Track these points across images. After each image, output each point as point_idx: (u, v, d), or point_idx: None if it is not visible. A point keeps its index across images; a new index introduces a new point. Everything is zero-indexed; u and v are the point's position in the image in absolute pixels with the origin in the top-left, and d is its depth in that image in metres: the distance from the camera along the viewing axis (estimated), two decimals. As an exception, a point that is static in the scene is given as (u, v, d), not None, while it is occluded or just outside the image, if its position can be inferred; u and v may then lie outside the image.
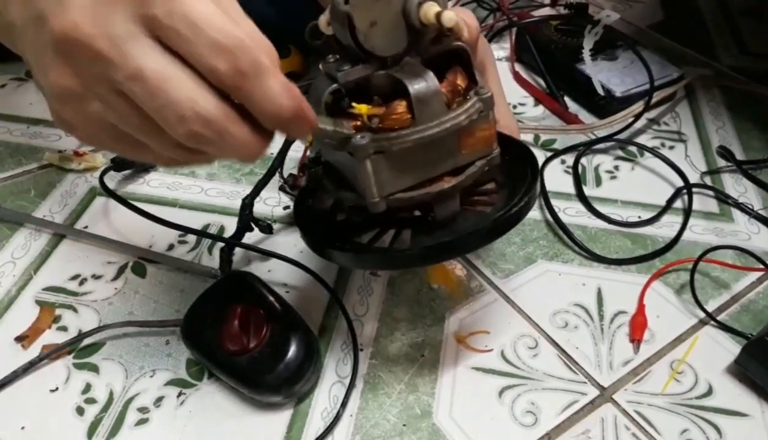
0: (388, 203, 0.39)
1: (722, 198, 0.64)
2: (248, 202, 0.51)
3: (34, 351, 0.49)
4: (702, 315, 0.53)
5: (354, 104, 0.36)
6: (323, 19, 0.36)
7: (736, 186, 0.65)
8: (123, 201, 0.56)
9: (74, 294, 0.54)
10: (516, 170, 0.44)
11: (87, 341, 0.50)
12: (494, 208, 0.43)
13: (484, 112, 0.39)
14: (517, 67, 0.80)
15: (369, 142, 0.36)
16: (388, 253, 0.42)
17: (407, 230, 0.43)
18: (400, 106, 0.37)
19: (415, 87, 0.36)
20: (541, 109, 0.75)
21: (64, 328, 0.51)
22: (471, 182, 0.41)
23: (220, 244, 0.56)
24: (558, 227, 0.60)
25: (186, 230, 0.56)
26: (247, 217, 0.51)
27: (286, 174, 0.60)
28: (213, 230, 0.59)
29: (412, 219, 0.43)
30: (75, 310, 0.52)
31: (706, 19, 0.94)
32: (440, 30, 0.36)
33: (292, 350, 0.45)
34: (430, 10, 0.34)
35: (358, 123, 0.37)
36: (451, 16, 0.34)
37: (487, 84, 0.45)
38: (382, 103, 0.37)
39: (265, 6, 0.75)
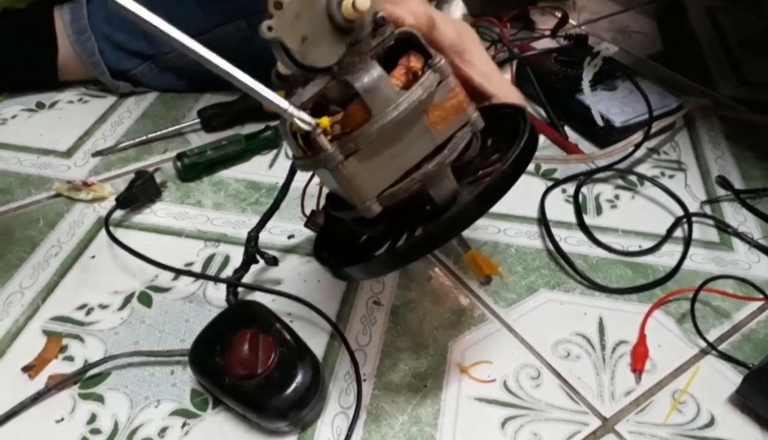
0: (381, 202, 0.38)
1: (722, 227, 0.64)
2: (253, 235, 0.52)
3: (40, 380, 0.50)
4: (703, 344, 0.53)
5: (315, 121, 0.36)
6: (279, 64, 0.37)
7: (735, 215, 0.66)
8: (123, 245, 0.58)
9: (81, 323, 0.54)
10: (515, 134, 0.42)
11: (93, 371, 0.50)
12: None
13: (443, 81, 0.38)
14: (518, 98, 0.81)
15: (336, 149, 0.36)
16: (391, 252, 0.41)
17: (419, 226, 0.42)
18: (356, 106, 0.37)
19: (361, 80, 0.36)
20: (542, 138, 0.76)
21: (70, 358, 0.51)
22: (458, 155, 0.40)
23: (227, 273, 0.57)
24: (559, 256, 0.60)
25: (182, 273, 0.57)
26: (252, 250, 0.52)
27: (304, 205, 0.60)
28: (218, 260, 0.60)
29: (420, 215, 0.42)
30: (81, 340, 0.53)
31: (705, 49, 0.96)
32: (374, 22, 0.36)
33: (300, 376, 0.46)
34: (348, 3, 0.34)
35: (328, 137, 0.36)
36: (363, 2, 0.34)
37: (473, 67, 0.44)
38: (342, 109, 0.38)
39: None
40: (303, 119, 0.35)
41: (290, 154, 0.72)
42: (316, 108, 0.38)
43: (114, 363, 0.51)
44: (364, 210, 0.38)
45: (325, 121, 0.36)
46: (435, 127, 0.38)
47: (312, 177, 0.53)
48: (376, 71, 0.36)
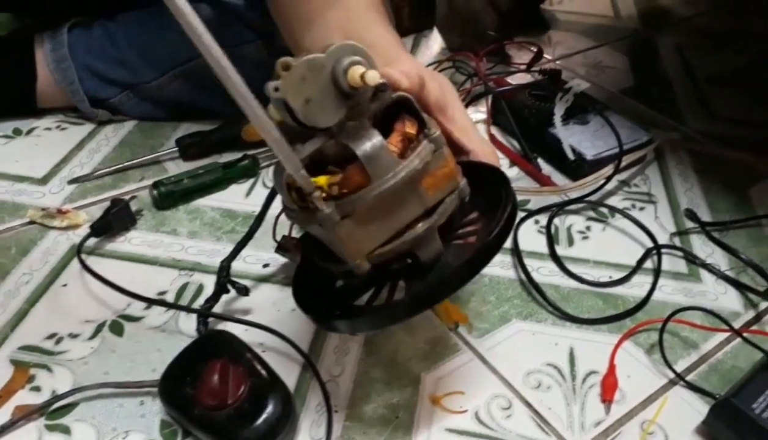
0: (370, 261, 0.40)
1: (690, 259, 0.66)
2: (225, 265, 0.52)
3: (6, 411, 0.49)
4: (671, 375, 0.54)
5: (313, 179, 0.37)
6: (271, 107, 0.38)
7: (703, 247, 0.67)
8: (95, 274, 0.57)
9: (50, 353, 0.54)
10: (493, 195, 0.45)
11: (60, 403, 0.50)
12: (478, 239, 0.44)
13: (437, 151, 0.40)
14: (493, 130, 0.83)
15: (333, 210, 0.37)
16: (377, 312, 0.43)
17: (401, 281, 0.44)
18: (355, 169, 0.38)
19: (362, 148, 0.37)
20: (515, 170, 0.77)
21: (37, 388, 0.51)
22: (446, 219, 0.42)
23: (200, 302, 0.57)
24: (532, 287, 0.61)
25: (153, 302, 0.57)
26: (224, 280, 0.52)
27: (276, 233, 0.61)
28: (192, 289, 0.60)
29: (404, 268, 0.43)
30: (50, 370, 0.52)
31: (675, 85, 0.98)
32: (375, 88, 0.37)
33: (270, 407, 0.46)
34: (356, 73, 0.36)
35: (324, 195, 0.38)
36: (373, 76, 0.35)
37: (455, 123, 0.46)
38: (339, 170, 0.39)
39: (251, 73, 0.78)
40: (306, 180, 0.36)
41: (268, 183, 0.72)
42: (311, 162, 0.39)
43: (82, 395, 0.50)
44: (354, 267, 0.39)
45: (323, 180, 0.38)
46: (427, 192, 0.40)
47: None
48: (377, 139, 0.38)
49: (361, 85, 0.36)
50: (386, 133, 0.39)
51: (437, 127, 0.41)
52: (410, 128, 0.40)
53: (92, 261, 0.62)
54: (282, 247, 0.53)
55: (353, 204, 0.38)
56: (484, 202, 0.45)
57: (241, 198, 0.71)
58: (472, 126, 0.49)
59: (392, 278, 0.44)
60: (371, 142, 0.38)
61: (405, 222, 0.40)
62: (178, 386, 0.47)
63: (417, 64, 0.46)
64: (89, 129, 0.81)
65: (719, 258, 0.66)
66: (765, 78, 1.01)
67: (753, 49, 1.09)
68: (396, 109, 0.41)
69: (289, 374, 0.52)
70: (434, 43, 1.07)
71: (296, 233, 0.54)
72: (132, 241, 0.65)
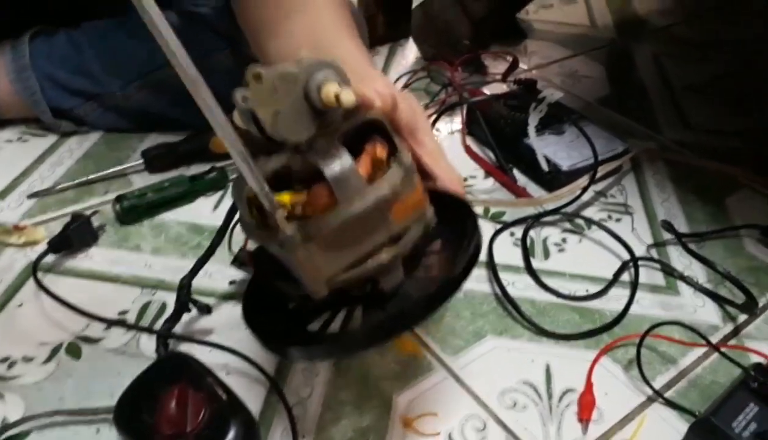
0: (329, 286, 0.38)
1: (668, 271, 0.65)
2: (186, 283, 0.50)
3: (-49, 442, 0.46)
4: (650, 392, 0.52)
5: (276, 196, 0.35)
6: (235, 114, 0.36)
7: (681, 258, 0.66)
8: (51, 294, 0.55)
9: (1, 378, 0.51)
10: (458, 226, 0.44)
11: (10, 432, 0.47)
12: (440, 270, 0.42)
13: (407, 178, 0.38)
14: (469, 141, 0.82)
15: (296, 232, 0.35)
16: (335, 341, 0.40)
17: (359, 307, 0.42)
18: (321, 190, 0.36)
19: (331, 168, 0.36)
20: (491, 181, 0.76)
21: (-13, 417, 0.48)
22: (410, 249, 0.40)
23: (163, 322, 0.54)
24: (507, 301, 0.60)
25: (111, 323, 0.55)
26: (184, 298, 0.50)
27: (234, 247, 0.59)
28: (155, 308, 0.58)
29: (363, 295, 0.42)
30: (1, 396, 0.49)
31: (651, 94, 0.98)
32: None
33: (232, 433, 0.43)
34: (330, 92, 0.34)
35: (286, 214, 0.36)
36: (348, 97, 0.33)
37: (424, 147, 0.45)
38: (304, 188, 0.37)
39: (220, 82, 0.76)
40: (269, 199, 0.34)
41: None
42: (275, 177, 0.37)
43: (34, 423, 0.48)
44: (312, 292, 0.38)
45: (286, 197, 0.36)
46: (393, 219, 0.39)
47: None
48: (347, 161, 0.36)
49: (334, 105, 0.34)
50: (355, 153, 0.37)
51: (408, 153, 0.39)
52: (380, 151, 0.39)
53: (51, 280, 0.59)
54: (238, 260, 0.50)
55: (317, 227, 0.36)
56: (447, 231, 0.44)
57: (209, 211, 0.69)
58: (440, 151, 0.48)
59: (349, 304, 0.42)
60: (341, 164, 0.36)
61: (368, 249, 0.39)
62: (135, 413, 0.45)
63: (388, 83, 0.45)
64: (52, 141, 0.79)
65: (697, 270, 0.65)
66: (741, 87, 1.01)
67: (729, 58, 1.09)
68: (366, 128, 0.39)
69: (253, 398, 0.50)
70: (409, 52, 1.06)
71: (252, 245, 0.52)
72: (93, 258, 0.63)
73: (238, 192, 0.38)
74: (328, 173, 0.35)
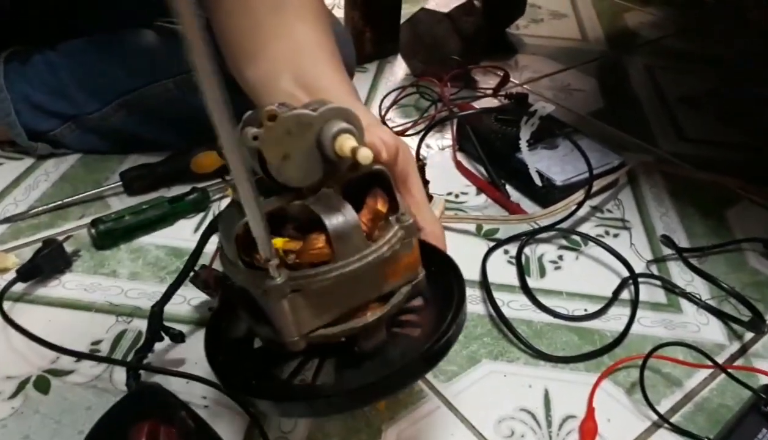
0: (308, 340, 0.36)
1: (669, 288, 0.62)
2: (157, 310, 0.47)
3: None
4: (655, 417, 0.49)
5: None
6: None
7: (682, 274, 0.64)
8: (16, 326, 0.51)
9: (-37, 416, 0.48)
10: (442, 284, 0.42)
11: (-33, 475, 0.44)
12: (422, 332, 0.40)
13: (407, 240, 0.37)
14: (459, 157, 0.79)
15: (285, 281, 0.33)
16: (311, 400, 0.37)
17: (331, 360, 0.39)
18: (318, 241, 0.34)
19: (333, 222, 0.33)
20: (483, 198, 0.73)
21: (-56, 459, 0.45)
22: (396, 310, 0.38)
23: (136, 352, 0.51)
24: (502, 323, 0.57)
25: (81, 356, 0.51)
26: (156, 326, 0.47)
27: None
28: (130, 337, 0.54)
29: (337, 347, 0.39)
30: (-39, 436, 0.46)
31: (645, 106, 0.96)
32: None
33: (207, 471, 0.40)
34: (346, 144, 0.32)
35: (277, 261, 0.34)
36: (366, 155, 0.32)
37: (412, 197, 0.43)
38: (298, 234, 0.35)
39: (200, 102, 0.74)
40: (267, 247, 0.32)
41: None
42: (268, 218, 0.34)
43: (-4, 464, 0.44)
44: (289, 344, 0.35)
45: (278, 242, 0.33)
46: (385, 279, 0.37)
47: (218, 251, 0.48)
48: (351, 216, 0.34)
49: (348, 158, 0.33)
50: (354, 203, 0.36)
51: (411, 213, 0.37)
52: (382, 206, 0.37)
53: (20, 309, 0.56)
54: (200, 279, 0.47)
55: (310, 280, 0.34)
56: (430, 289, 0.41)
57: (189, 234, 0.66)
58: (426, 201, 0.46)
59: (321, 354, 0.39)
60: (345, 219, 0.34)
61: (354, 306, 0.37)
62: (104, 452, 0.41)
63: (390, 132, 0.43)
64: (28, 164, 0.76)
65: (699, 286, 0.62)
66: (736, 98, 0.99)
67: (723, 69, 1.08)
68: (365, 180, 0.37)
69: (233, 433, 0.47)
70: (398, 69, 1.04)
71: (218, 265, 0.49)
72: (66, 285, 0.60)
73: (226, 227, 0.35)
74: (329, 226, 0.33)
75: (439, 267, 0.42)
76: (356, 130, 0.34)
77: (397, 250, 0.36)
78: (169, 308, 0.51)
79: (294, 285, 0.34)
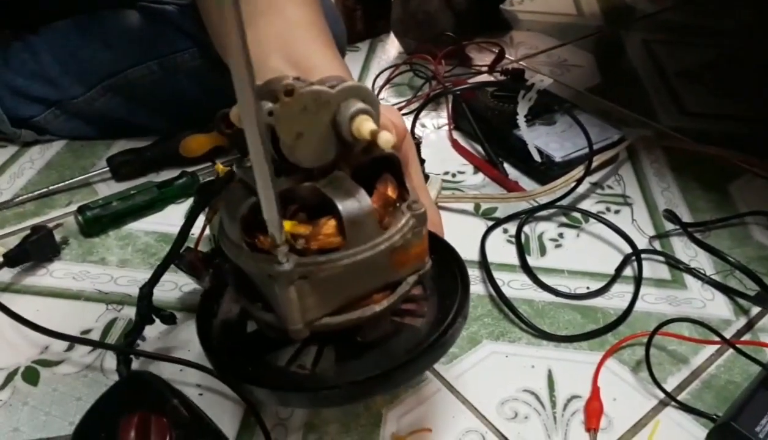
0: (311, 329, 0.34)
1: (673, 263, 0.60)
2: (146, 292, 0.45)
3: None
4: (661, 395, 0.48)
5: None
6: (235, 112, 0.32)
7: (686, 250, 0.62)
8: (5, 309, 0.49)
9: (-51, 410, 0.46)
10: (443, 273, 0.40)
11: (-46, 470, 0.42)
12: (425, 322, 0.38)
13: (418, 229, 0.35)
14: (456, 135, 0.78)
15: (294, 267, 0.31)
16: (312, 391, 0.36)
17: (330, 348, 0.38)
18: (329, 226, 0.32)
19: (348, 207, 0.32)
20: (480, 176, 0.72)
21: (-70, 455, 0.43)
22: (402, 300, 0.37)
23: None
24: (502, 303, 0.55)
25: (68, 339, 0.48)
26: (145, 308, 0.45)
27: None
28: (120, 325, 0.53)
29: (337, 334, 0.37)
30: (-53, 430, 0.45)
31: (644, 80, 0.94)
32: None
33: (201, 461, 0.39)
34: (364, 126, 0.31)
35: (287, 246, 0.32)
36: (388, 139, 0.30)
37: (411, 181, 0.42)
38: (307, 217, 0.33)
39: (186, 83, 0.72)
40: (279, 232, 0.30)
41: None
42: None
43: (-16, 458, 0.43)
44: (293, 332, 0.33)
45: (287, 225, 0.32)
46: (394, 268, 0.35)
47: (206, 225, 0.46)
48: (366, 202, 0.32)
49: (366, 140, 0.31)
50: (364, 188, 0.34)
51: (421, 201, 0.36)
52: (392, 192, 0.35)
53: (7, 298, 0.54)
54: (183, 261, 0.46)
55: (318, 267, 0.32)
56: (430, 277, 0.40)
57: (179, 219, 0.64)
58: (424, 187, 0.45)
59: (320, 342, 0.38)
60: (360, 204, 0.32)
61: (360, 293, 0.35)
62: (94, 443, 0.40)
63: (399, 113, 0.41)
64: (12, 151, 0.74)
65: (704, 262, 0.61)
66: (736, 70, 0.98)
67: (722, 42, 1.06)
68: (375, 164, 0.36)
69: (228, 420, 0.46)
70: (390, 47, 1.01)
71: (204, 246, 0.47)
72: (54, 274, 0.58)
73: (231, 207, 0.33)
74: (343, 211, 0.32)
75: (439, 255, 0.41)
76: (372, 108, 0.32)
77: (408, 239, 0.35)
78: (160, 294, 0.49)
79: (302, 272, 0.32)
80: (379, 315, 0.36)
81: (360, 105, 0.31)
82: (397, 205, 0.36)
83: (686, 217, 0.66)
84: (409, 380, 0.41)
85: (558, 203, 0.66)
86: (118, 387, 0.43)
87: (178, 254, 0.44)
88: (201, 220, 0.44)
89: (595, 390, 0.48)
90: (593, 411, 0.47)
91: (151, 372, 0.44)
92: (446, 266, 0.41)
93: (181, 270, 0.47)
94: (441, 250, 0.42)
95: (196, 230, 0.45)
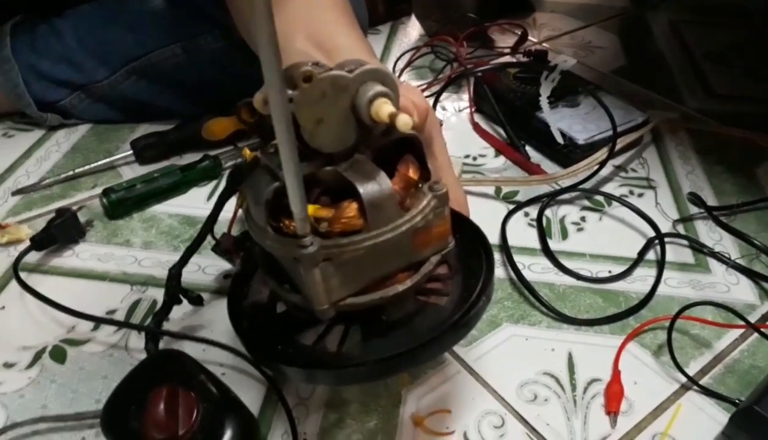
0: (336, 308, 0.35)
1: (697, 247, 0.60)
2: (175, 272, 0.46)
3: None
4: (683, 379, 0.48)
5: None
6: (259, 98, 0.32)
7: (710, 233, 0.61)
8: (33, 292, 0.51)
9: (-20, 386, 0.47)
10: (467, 251, 0.40)
11: (-13, 444, 0.43)
12: (450, 301, 0.39)
13: (440, 209, 0.35)
14: (477, 118, 0.77)
15: (318, 250, 0.32)
16: (339, 368, 0.37)
17: (356, 327, 0.38)
18: (351, 209, 0.33)
19: (368, 190, 0.32)
20: (502, 159, 0.71)
21: (-36, 428, 0.45)
22: (426, 280, 0.37)
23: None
24: (523, 286, 0.55)
25: (94, 319, 0.50)
26: (174, 289, 0.46)
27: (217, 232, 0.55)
28: (145, 306, 0.54)
29: (363, 314, 0.38)
30: (-20, 406, 0.46)
31: (670, 62, 0.93)
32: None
33: (228, 434, 0.40)
34: (383, 109, 0.31)
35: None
36: (407, 122, 0.30)
37: (435, 160, 0.42)
38: (330, 201, 0.34)
39: (209, 66, 0.72)
40: (305, 221, 0.31)
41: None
42: None
43: (16, 432, 0.44)
44: (319, 312, 0.34)
45: (310, 209, 0.32)
46: (416, 248, 0.36)
47: (238, 208, 0.47)
48: (386, 185, 0.33)
49: (384, 123, 0.31)
50: (384, 170, 0.34)
51: (443, 181, 0.36)
52: (413, 173, 0.36)
53: (35, 280, 0.56)
54: (220, 247, 0.46)
55: (341, 249, 0.33)
56: (455, 256, 0.40)
57: (202, 202, 0.65)
58: (450, 165, 0.45)
59: (347, 321, 0.38)
60: (380, 187, 0.32)
61: (383, 274, 0.36)
62: (122, 418, 0.41)
63: (421, 94, 0.41)
64: (39, 135, 0.75)
65: (728, 245, 0.60)
66: (765, 52, 0.95)
67: (750, 23, 1.03)
68: (396, 145, 0.36)
69: (251, 398, 0.46)
70: (412, 29, 1.01)
71: (237, 231, 0.48)
72: (80, 255, 0.59)
73: (256, 192, 0.34)
74: (364, 194, 0.32)
75: (464, 234, 0.41)
76: (391, 90, 0.32)
77: (430, 220, 0.35)
78: (185, 276, 0.50)
79: (326, 254, 0.33)
80: (402, 294, 0.36)
81: (378, 88, 0.31)
82: (419, 185, 0.36)
83: (711, 201, 0.65)
84: (433, 358, 0.41)
85: (580, 186, 0.65)
86: (148, 363, 0.44)
87: (207, 236, 0.45)
88: (232, 203, 0.44)
89: (616, 374, 0.48)
90: (614, 395, 0.46)
91: (178, 350, 0.45)
92: (472, 245, 0.41)
93: (218, 254, 0.48)
94: (466, 229, 0.42)
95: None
